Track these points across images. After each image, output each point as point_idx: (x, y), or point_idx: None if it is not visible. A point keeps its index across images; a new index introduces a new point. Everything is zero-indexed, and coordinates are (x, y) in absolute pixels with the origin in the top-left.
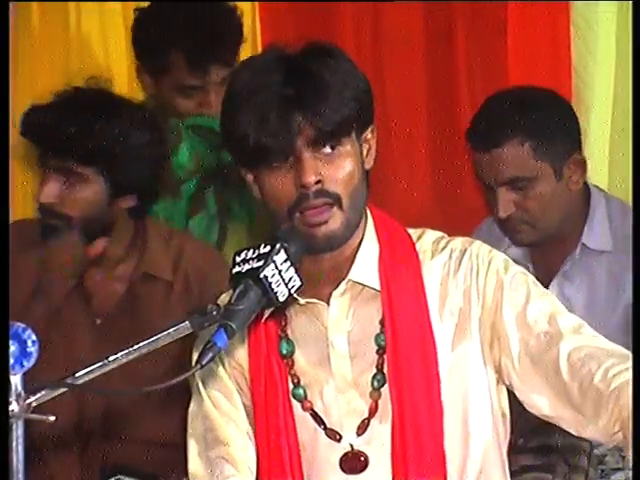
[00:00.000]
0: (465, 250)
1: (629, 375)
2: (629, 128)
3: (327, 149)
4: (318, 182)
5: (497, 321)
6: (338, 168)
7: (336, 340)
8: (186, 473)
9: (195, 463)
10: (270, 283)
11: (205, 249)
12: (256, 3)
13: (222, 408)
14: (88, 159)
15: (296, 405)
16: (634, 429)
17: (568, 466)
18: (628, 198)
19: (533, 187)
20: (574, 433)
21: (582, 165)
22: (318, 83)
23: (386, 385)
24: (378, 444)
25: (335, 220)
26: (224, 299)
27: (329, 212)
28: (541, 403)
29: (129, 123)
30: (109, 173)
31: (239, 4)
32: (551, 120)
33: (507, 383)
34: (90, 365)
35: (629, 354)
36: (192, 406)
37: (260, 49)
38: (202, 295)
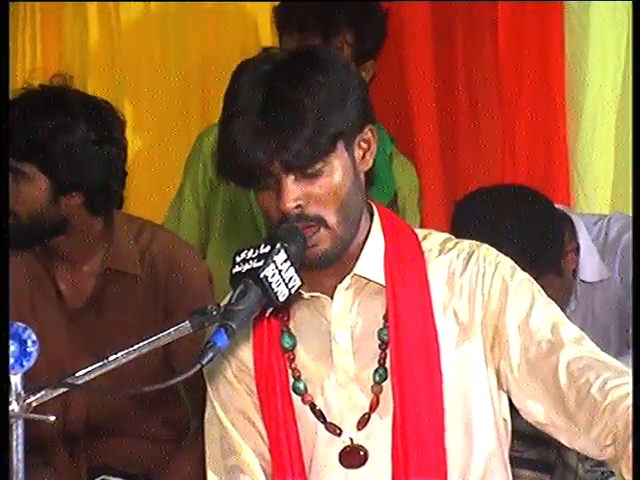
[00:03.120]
0: (473, 252)
1: (627, 389)
2: (628, 131)
3: (308, 170)
4: (298, 206)
5: (499, 325)
6: (321, 187)
7: (339, 334)
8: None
9: (212, 472)
10: (270, 283)
11: (175, 240)
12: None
13: (233, 414)
14: (25, 156)
15: (296, 399)
16: (634, 434)
17: (563, 465)
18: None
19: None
20: (566, 444)
21: (577, 250)
22: (294, 111)
23: (388, 380)
24: (378, 439)
25: (325, 241)
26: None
27: (316, 235)
28: (536, 410)
29: (69, 119)
30: (49, 170)
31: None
32: (539, 243)
33: (505, 388)
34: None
35: (628, 370)
36: (207, 414)
37: None
38: (169, 285)
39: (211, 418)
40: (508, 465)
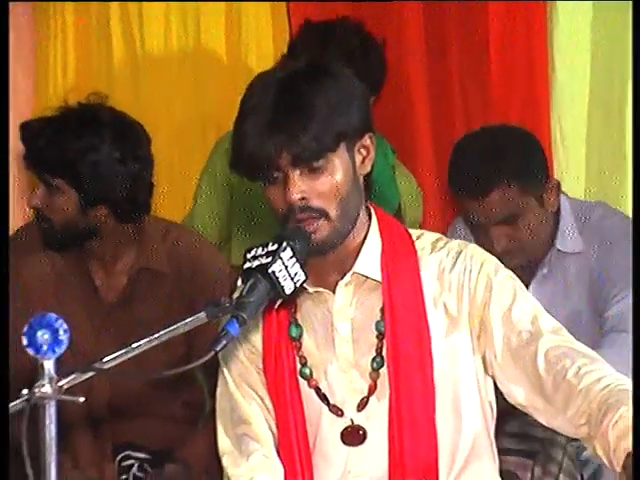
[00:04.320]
0: (461, 251)
1: (600, 374)
2: (625, 131)
3: (313, 165)
4: (303, 198)
5: (484, 317)
6: (324, 183)
7: (340, 325)
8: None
9: (223, 440)
10: (277, 277)
11: (198, 241)
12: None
13: (244, 388)
14: (56, 172)
15: (303, 383)
16: (634, 429)
17: (546, 455)
18: (605, 198)
19: (523, 219)
20: (544, 423)
21: (557, 188)
22: (304, 108)
23: (384, 366)
24: (376, 420)
25: (322, 231)
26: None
27: (316, 223)
28: (517, 393)
29: (96, 140)
30: (78, 185)
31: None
32: (528, 157)
33: (490, 373)
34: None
35: (600, 358)
36: (219, 388)
37: None
38: (192, 281)
39: (223, 392)
40: (494, 443)
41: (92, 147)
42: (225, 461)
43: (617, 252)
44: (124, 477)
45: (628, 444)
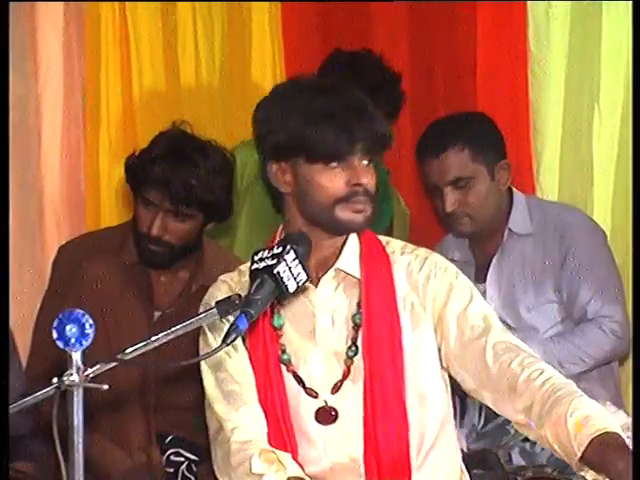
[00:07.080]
0: (427, 257)
1: (541, 367)
2: (592, 142)
3: (366, 161)
4: (362, 184)
5: (442, 315)
6: (373, 177)
7: (321, 316)
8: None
9: (212, 391)
10: (282, 277)
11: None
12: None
13: (234, 359)
14: (196, 204)
15: (284, 367)
16: (634, 432)
17: None
18: (575, 199)
19: (472, 185)
20: (492, 407)
21: (508, 169)
22: (370, 109)
23: (358, 355)
24: (348, 401)
25: (370, 210)
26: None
27: (367, 204)
28: (467, 378)
29: (218, 167)
30: (208, 209)
31: None
32: (483, 132)
33: (444, 365)
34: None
35: (537, 355)
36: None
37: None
38: None
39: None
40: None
41: (217, 173)
42: (217, 407)
43: (580, 243)
44: (171, 470)
45: (590, 431)
